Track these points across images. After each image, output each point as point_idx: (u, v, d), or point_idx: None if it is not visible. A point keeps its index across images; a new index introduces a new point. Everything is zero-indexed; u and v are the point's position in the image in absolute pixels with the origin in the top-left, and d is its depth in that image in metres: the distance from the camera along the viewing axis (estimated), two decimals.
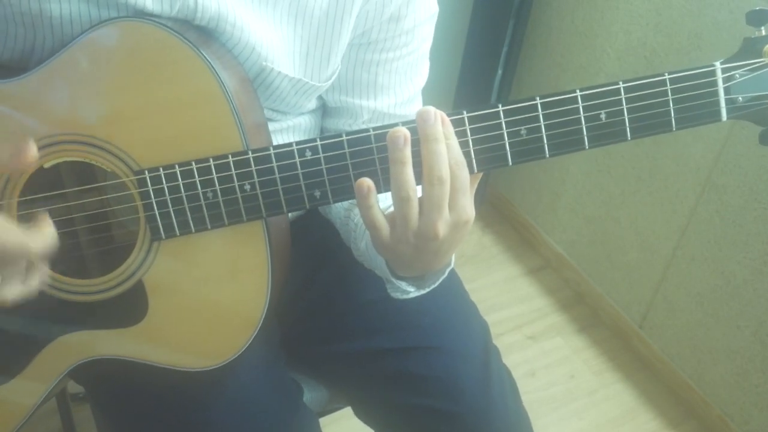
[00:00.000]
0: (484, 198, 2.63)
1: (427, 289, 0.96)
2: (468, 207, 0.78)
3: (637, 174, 2.02)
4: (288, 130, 1.02)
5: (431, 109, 0.75)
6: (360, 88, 1.01)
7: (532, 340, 2.21)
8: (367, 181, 0.76)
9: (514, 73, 2.34)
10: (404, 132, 0.75)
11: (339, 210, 1.07)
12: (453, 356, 1.06)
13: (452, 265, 0.94)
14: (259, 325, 0.85)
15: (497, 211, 2.65)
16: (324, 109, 1.08)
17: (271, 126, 0.99)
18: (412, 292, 0.96)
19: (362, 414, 1.17)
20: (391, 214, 0.79)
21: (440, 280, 0.94)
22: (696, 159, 1.82)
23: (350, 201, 0.96)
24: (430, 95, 1.15)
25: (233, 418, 0.95)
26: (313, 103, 1.02)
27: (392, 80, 1.00)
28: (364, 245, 0.98)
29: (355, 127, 1.03)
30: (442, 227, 0.77)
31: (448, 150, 0.75)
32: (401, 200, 0.76)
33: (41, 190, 0.81)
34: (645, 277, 2.09)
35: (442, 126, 0.75)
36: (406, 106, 1.04)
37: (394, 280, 0.93)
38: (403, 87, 1.02)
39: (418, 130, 0.75)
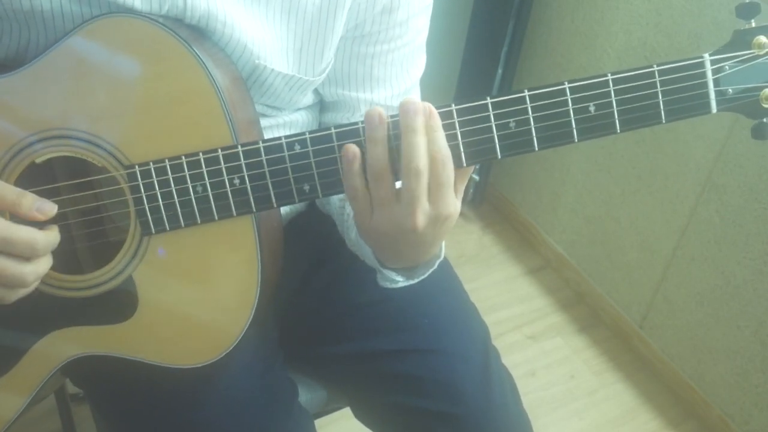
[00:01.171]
0: (484, 198, 2.63)
1: (417, 280, 0.95)
2: (451, 203, 0.77)
3: (637, 174, 2.01)
4: (283, 127, 1.02)
5: (412, 100, 0.75)
6: (356, 81, 1.01)
7: (532, 340, 2.21)
8: (353, 147, 0.76)
9: (514, 73, 2.34)
10: (379, 111, 0.75)
11: (335, 200, 1.06)
12: (452, 358, 1.06)
13: (442, 257, 0.93)
14: (249, 322, 0.84)
15: (497, 211, 2.64)
16: (321, 105, 1.08)
17: (266, 122, 0.99)
18: (401, 281, 0.95)
19: (361, 415, 1.16)
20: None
21: (429, 272, 0.94)
22: (696, 159, 1.82)
23: None
24: (429, 95, 1.14)
25: (227, 417, 0.95)
26: (308, 98, 1.02)
27: (388, 72, 1.00)
28: (355, 235, 0.97)
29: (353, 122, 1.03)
30: (421, 219, 0.76)
31: (432, 143, 0.74)
32: (375, 179, 0.76)
33: (33, 185, 0.81)
34: (645, 277, 2.09)
35: (428, 118, 0.74)
36: (403, 97, 1.03)
37: (381, 269, 0.93)
38: (399, 79, 1.02)
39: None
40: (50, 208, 0.77)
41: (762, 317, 1.75)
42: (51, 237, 0.78)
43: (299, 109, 1.04)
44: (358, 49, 0.98)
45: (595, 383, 2.10)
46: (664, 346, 2.08)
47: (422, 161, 0.74)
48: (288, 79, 0.93)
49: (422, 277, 0.94)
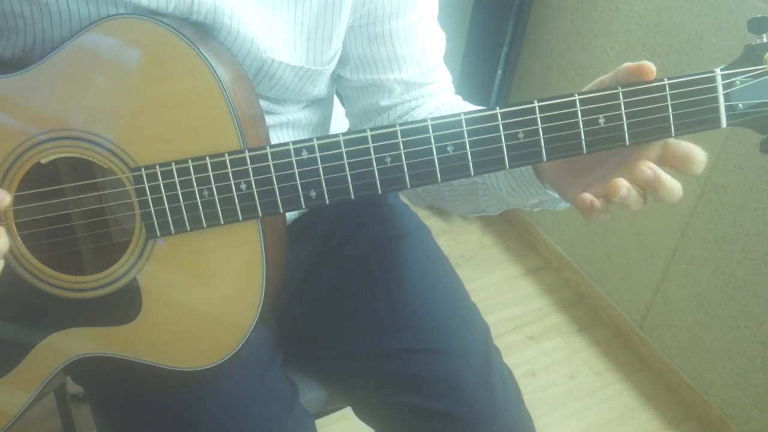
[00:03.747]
0: None
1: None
2: None
3: None
4: (287, 126, 1.02)
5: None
6: (383, 63, 1.00)
7: (532, 340, 2.21)
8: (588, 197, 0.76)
9: (514, 73, 2.34)
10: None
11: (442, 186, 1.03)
12: (454, 357, 1.06)
13: None
14: (253, 326, 0.85)
15: None
16: (352, 94, 1.07)
17: (271, 120, 0.99)
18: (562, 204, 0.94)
19: (363, 414, 1.17)
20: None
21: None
22: None
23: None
24: None
25: (227, 418, 0.95)
26: (320, 89, 1.01)
27: (411, 49, 1.00)
28: (505, 186, 0.93)
29: (391, 102, 1.03)
30: None
31: None
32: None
33: (38, 186, 0.81)
34: (645, 277, 2.09)
35: None
36: (433, 72, 1.04)
37: (558, 196, 0.91)
38: (425, 55, 1.02)
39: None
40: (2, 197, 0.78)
41: (762, 317, 1.75)
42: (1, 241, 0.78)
43: (306, 107, 1.04)
44: (374, 30, 0.98)
45: (595, 383, 2.10)
46: (664, 346, 2.08)
47: None
48: (297, 71, 0.93)
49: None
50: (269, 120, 0.98)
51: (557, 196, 0.89)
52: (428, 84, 1.03)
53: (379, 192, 0.78)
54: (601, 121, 0.75)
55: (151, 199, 0.80)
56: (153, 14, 0.80)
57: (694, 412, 2.01)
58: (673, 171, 0.79)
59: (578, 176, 0.82)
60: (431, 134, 0.76)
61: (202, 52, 0.77)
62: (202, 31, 0.84)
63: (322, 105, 1.08)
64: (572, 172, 0.82)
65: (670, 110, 0.75)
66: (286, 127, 1.02)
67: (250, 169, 0.78)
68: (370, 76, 1.01)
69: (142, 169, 0.79)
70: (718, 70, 0.75)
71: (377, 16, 0.97)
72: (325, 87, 1.03)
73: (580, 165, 0.81)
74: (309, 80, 0.96)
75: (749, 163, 1.69)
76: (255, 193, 0.79)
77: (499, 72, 2.29)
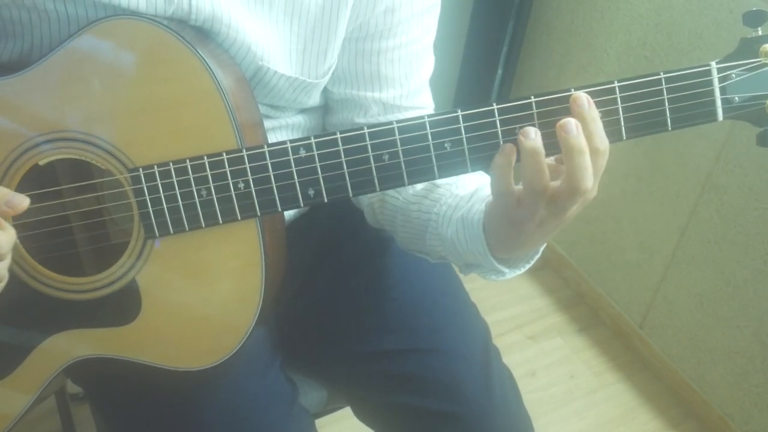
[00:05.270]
0: None
1: (521, 270, 0.93)
2: (596, 187, 0.78)
3: (637, 174, 2.01)
4: (286, 129, 1.02)
5: (583, 96, 0.74)
6: (364, 80, 1.00)
7: (532, 340, 2.21)
8: (509, 146, 0.76)
9: (514, 73, 2.34)
10: (575, 121, 0.73)
11: (407, 201, 1.01)
12: (453, 357, 1.06)
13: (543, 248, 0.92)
14: (252, 325, 0.84)
15: None
16: (332, 105, 1.07)
17: (269, 123, 0.99)
18: (507, 273, 0.92)
19: (362, 414, 1.16)
20: (519, 192, 0.78)
21: (532, 263, 0.93)
22: (696, 159, 1.82)
23: (424, 187, 0.96)
24: None
25: (226, 418, 0.95)
26: (314, 99, 1.01)
27: (396, 71, 1.00)
28: (453, 231, 0.93)
29: (365, 120, 1.02)
30: (575, 210, 0.78)
31: (597, 134, 0.74)
32: (577, 192, 0.75)
33: (36, 187, 0.81)
34: (645, 277, 2.09)
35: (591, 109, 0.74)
36: (414, 97, 1.03)
37: (494, 261, 0.89)
38: (408, 78, 1.01)
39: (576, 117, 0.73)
40: (20, 201, 0.74)
41: (762, 317, 1.75)
42: (10, 236, 0.75)
43: (303, 111, 1.04)
44: (362, 46, 0.97)
45: (595, 383, 2.10)
46: (664, 346, 2.08)
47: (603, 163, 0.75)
48: (292, 81, 0.93)
49: (527, 266, 0.93)
50: (267, 123, 0.98)
51: (496, 263, 0.89)
52: (407, 109, 1.03)
53: (377, 190, 0.78)
54: (600, 116, 0.75)
55: (149, 199, 0.80)
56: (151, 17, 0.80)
57: (694, 412, 2.01)
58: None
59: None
60: (428, 131, 0.76)
61: (199, 51, 0.76)
62: (201, 34, 0.84)
63: (320, 109, 1.08)
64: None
65: (667, 104, 0.75)
66: (284, 129, 1.02)
67: (248, 168, 0.78)
68: (350, 90, 1.01)
69: (140, 169, 0.79)
70: (713, 64, 0.75)
71: (368, 33, 0.96)
72: (319, 98, 1.03)
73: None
74: (303, 92, 0.96)
75: (749, 163, 1.69)
76: (253, 192, 0.78)
77: (499, 72, 2.29)
